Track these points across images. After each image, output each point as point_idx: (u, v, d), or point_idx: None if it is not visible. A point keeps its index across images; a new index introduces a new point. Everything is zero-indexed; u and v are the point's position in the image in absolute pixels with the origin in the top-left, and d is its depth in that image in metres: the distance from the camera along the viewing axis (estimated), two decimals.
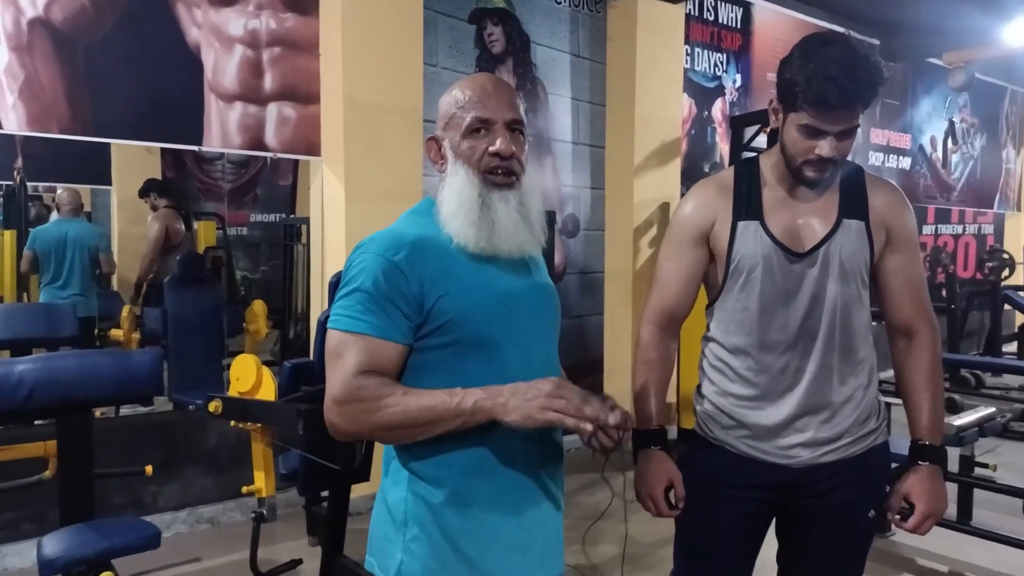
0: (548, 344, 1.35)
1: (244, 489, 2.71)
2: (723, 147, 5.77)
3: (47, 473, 2.66)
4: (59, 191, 5.08)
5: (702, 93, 5.67)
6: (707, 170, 5.68)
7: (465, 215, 1.24)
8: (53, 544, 2.07)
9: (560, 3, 4.87)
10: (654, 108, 5.08)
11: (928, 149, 8.16)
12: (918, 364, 1.56)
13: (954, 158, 8.50)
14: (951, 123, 8.42)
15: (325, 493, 2.66)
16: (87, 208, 5.44)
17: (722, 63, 5.79)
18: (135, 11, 3.28)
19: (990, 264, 7.48)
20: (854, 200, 1.55)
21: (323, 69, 3.75)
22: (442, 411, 1.14)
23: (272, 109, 3.65)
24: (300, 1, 3.71)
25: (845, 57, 1.39)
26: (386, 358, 1.20)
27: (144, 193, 5.36)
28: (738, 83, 5.92)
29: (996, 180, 9.18)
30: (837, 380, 1.54)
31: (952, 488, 2.29)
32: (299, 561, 2.87)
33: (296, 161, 5.01)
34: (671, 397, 1.81)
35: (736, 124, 5.05)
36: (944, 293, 6.89)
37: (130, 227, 5.65)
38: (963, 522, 3.23)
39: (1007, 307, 7.27)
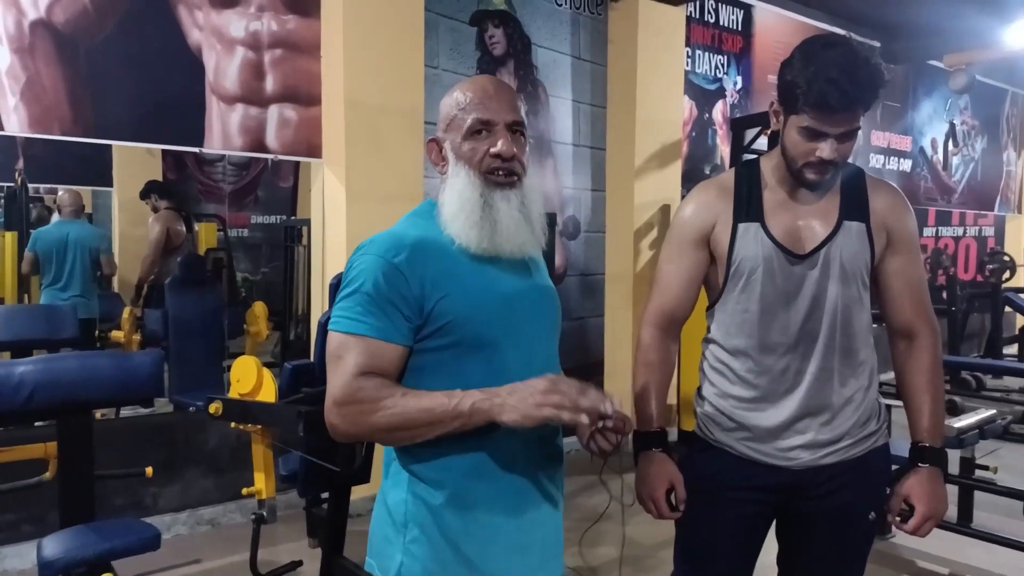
0: (549, 346, 1.35)
1: (244, 491, 2.71)
2: (724, 149, 5.78)
3: (47, 474, 2.66)
4: (60, 193, 5.08)
5: (703, 95, 5.68)
6: (708, 172, 5.69)
7: (467, 216, 1.24)
8: (53, 546, 2.07)
9: (561, 5, 4.87)
10: (655, 110, 5.09)
11: (929, 151, 8.16)
12: (919, 366, 1.56)
13: (955, 160, 8.50)
14: (952, 125, 8.42)
15: (325, 495, 2.66)
16: (88, 210, 5.45)
17: (723, 65, 5.79)
18: (137, 13, 3.28)
19: (991, 266, 7.48)
20: (855, 202, 1.55)
21: (324, 71, 3.76)
22: (440, 412, 1.14)
23: (273, 111, 3.66)
24: (301, 3, 3.71)
25: (846, 59, 1.39)
26: (386, 360, 1.20)
27: (145, 195, 5.37)
28: (739, 85, 5.92)
29: (997, 182, 9.18)
30: (837, 382, 1.54)
31: (952, 490, 2.29)
32: (299, 563, 2.87)
33: (297, 163, 5.02)
34: (671, 399, 1.81)
35: (737, 126, 5.06)
36: (945, 295, 6.89)
37: (131, 228, 5.66)
38: (963, 524, 3.23)
39: (1008, 309, 7.28)
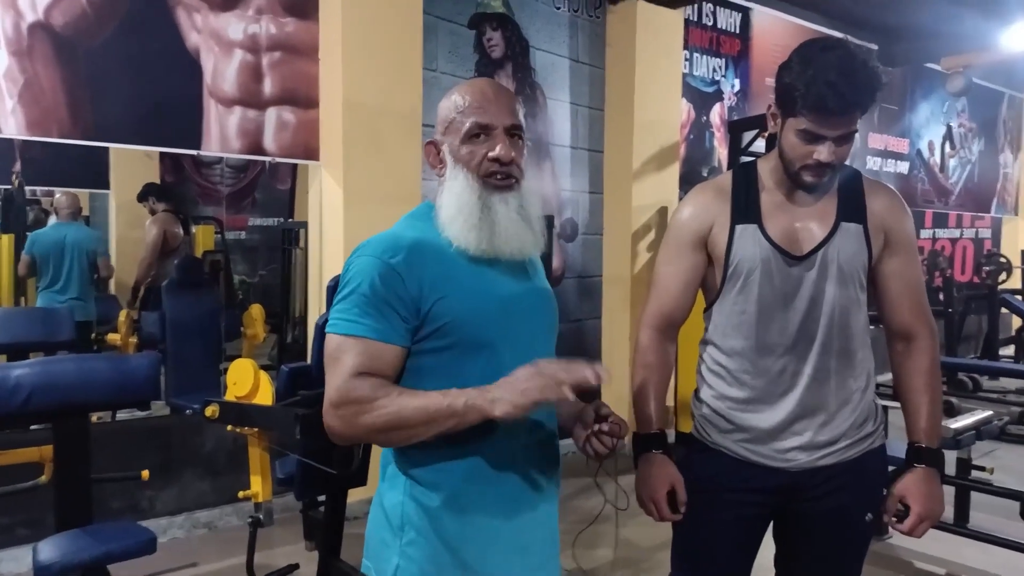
0: (546, 348, 1.35)
1: (241, 494, 2.70)
2: (721, 152, 5.78)
3: (43, 478, 2.66)
4: (57, 195, 5.08)
5: (700, 98, 5.69)
6: (705, 175, 5.69)
7: (465, 219, 1.24)
8: (49, 549, 2.06)
9: (559, 8, 4.88)
10: (653, 113, 5.09)
11: (926, 153, 8.18)
12: (916, 367, 1.57)
13: (952, 162, 8.52)
14: (949, 128, 8.44)
15: (322, 498, 2.66)
16: (85, 212, 5.45)
17: (721, 68, 5.80)
18: (135, 16, 3.28)
19: (987, 268, 7.50)
20: (852, 203, 1.55)
21: (323, 73, 3.76)
22: (435, 411, 1.14)
23: (271, 113, 3.66)
24: (300, 5, 3.71)
25: (844, 62, 1.40)
26: (384, 361, 1.20)
27: (143, 197, 5.37)
28: (736, 88, 5.93)
29: (994, 184, 9.21)
30: (834, 383, 1.54)
31: (949, 491, 2.29)
32: (296, 566, 2.86)
33: (295, 165, 5.02)
34: (669, 401, 1.82)
35: (734, 129, 5.07)
36: (942, 297, 6.90)
37: (128, 231, 5.66)
38: (960, 525, 3.23)
39: (1004, 311, 7.29)
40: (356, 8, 3.65)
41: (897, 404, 1.63)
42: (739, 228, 1.55)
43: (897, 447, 1.69)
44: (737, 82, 5.93)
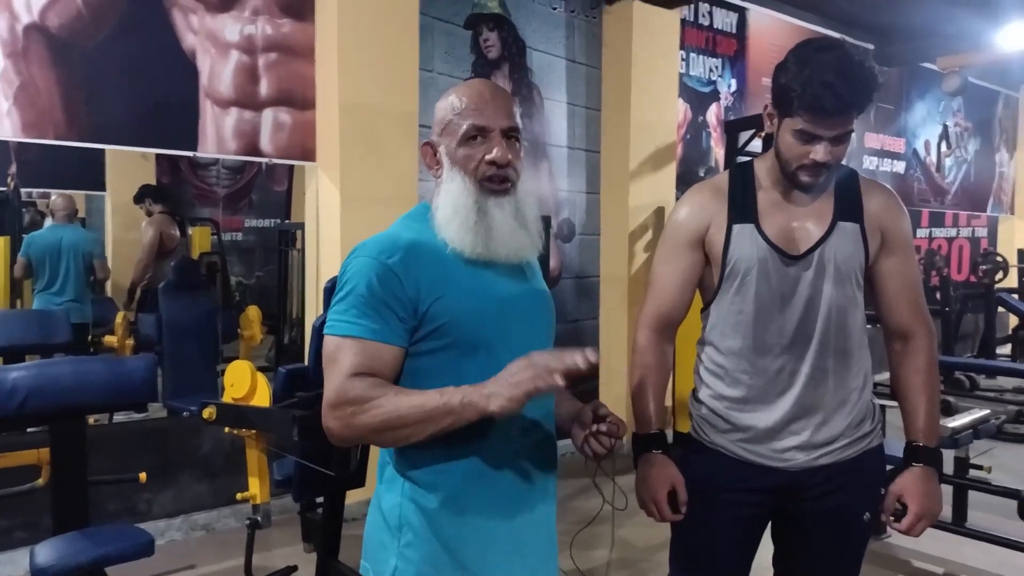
0: (544, 349, 1.35)
1: (239, 495, 2.70)
2: (718, 152, 5.79)
3: (40, 481, 2.65)
4: (53, 197, 5.06)
5: (697, 98, 5.69)
6: (702, 175, 5.70)
7: (461, 221, 1.24)
8: (46, 552, 2.06)
9: (556, 8, 4.88)
10: (650, 113, 5.10)
11: (922, 153, 8.20)
12: (914, 366, 1.57)
13: (948, 162, 8.54)
14: (945, 127, 8.46)
15: (320, 499, 2.65)
16: (81, 214, 5.43)
17: (717, 68, 5.81)
18: (131, 17, 3.27)
19: (984, 267, 7.51)
20: (849, 203, 1.55)
21: (319, 74, 3.75)
22: (431, 409, 1.14)
23: (267, 115, 3.65)
24: (296, 7, 3.71)
25: (840, 63, 1.40)
26: (382, 361, 1.20)
27: (139, 199, 5.35)
28: (733, 88, 5.94)
29: (989, 183, 9.23)
30: (832, 382, 1.54)
31: (947, 490, 2.29)
32: (294, 567, 2.86)
33: (291, 166, 5.01)
34: (666, 401, 1.82)
35: (731, 129, 5.07)
36: (938, 296, 6.92)
37: (124, 233, 5.64)
38: (958, 524, 3.24)
39: (1001, 309, 7.31)
40: (352, 9, 3.65)
41: (895, 403, 1.63)
42: (736, 228, 1.55)
43: (895, 446, 1.69)
44: (733, 82, 5.93)
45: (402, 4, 3.84)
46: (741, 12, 5.94)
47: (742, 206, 1.56)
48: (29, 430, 2.88)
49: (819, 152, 1.45)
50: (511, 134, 1.28)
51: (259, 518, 2.63)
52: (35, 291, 4.72)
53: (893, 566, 3.23)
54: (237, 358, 3.64)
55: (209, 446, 3.67)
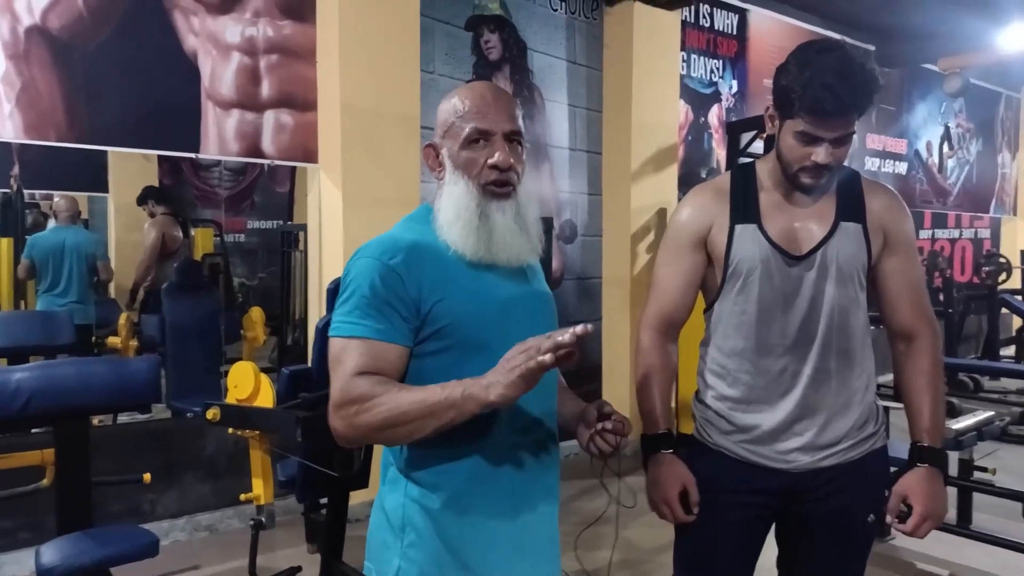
0: None
1: (242, 496, 2.70)
2: (719, 153, 5.79)
3: (45, 481, 2.65)
4: (56, 198, 5.08)
5: (698, 99, 5.69)
6: (704, 176, 5.70)
7: (463, 224, 1.24)
8: (51, 553, 2.06)
9: (557, 10, 4.89)
10: (651, 114, 5.10)
11: (924, 154, 8.19)
12: (919, 367, 1.56)
13: (950, 163, 8.53)
14: (947, 128, 8.45)
15: (324, 500, 2.66)
16: (84, 215, 5.44)
17: (718, 69, 5.81)
18: (132, 19, 3.28)
19: (987, 268, 7.50)
20: (851, 203, 1.56)
21: (320, 76, 3.76)
22: (433, 403, 1.13)
23: (269, 116, 3.66)
24: (297, 8, 3.72)
25: (841, 64, 1.40)
26: (387, 361, 1.20)
27: (142, 200, 5.37)
28: (734, 89, 5.94)
29: (992, 184, 9.22)
30: (835, 383, 1.54)
31: (951, 492, 2.29)
32: (298, 568, 2.86)
33: (293, 168, 5.02)
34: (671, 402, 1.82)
35: (732, 130, 5.07)
36: (941, 297, 6.91)
37: (127, 234, 5.66)
38: (962, 526, 3.23)
39: (1004, 311, 7.29)
40: (353, 10, 3.65)
41: (898, 405, 1.63)
42: (739, 228, 1.55)
43: (898, 448, 1.69)
44: (735, 83, 5.94)
45: (403, 5, 3.84)
46: (742, 13, 5.94)
47: (744, 207, 1.56)
48: (33, 431, 2.89)
49: (820, 154, 1.45)
50: (513, 137, 1.28)
51: (263, 519, 2.63)
52: (38, 292, 4.74)
53: (897, 568, 3.22)
54: (240, 359, 3.64)
55: (213, 447, 3.67)
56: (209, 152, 3.57)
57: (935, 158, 8.33)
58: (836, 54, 1.42)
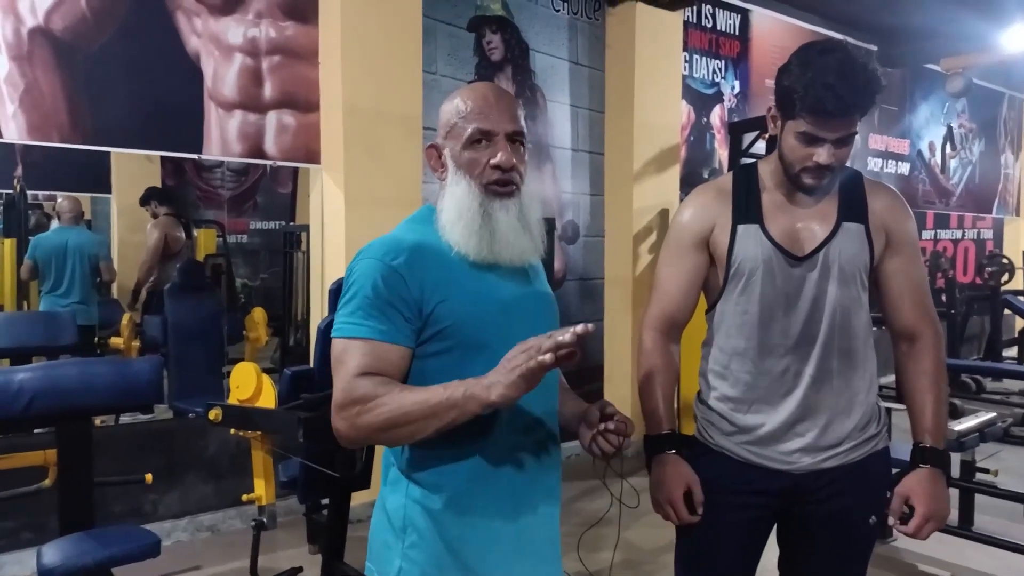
0: None
1: (244, 497, 2.71)
2: (722, 153, 5.78)
3: (47, 482, 2.66)
4: (59, 199, 5.09)
5: (700, 100, 5.69)
6: (706, 176, 5.70)
7: (466, 224, 1.25)
8: (53, 553, 2.06)
9: (559, 11, 4.89)
10: (653, 115, 5.10)
11: (927, 154, 8.18)
12: (921, 367, 1.56)
13: (952, 163, 8.52)
14: (949, 128, 8.44)
15: (325, 501, 2.66)
16: (87, 216, 5.45)
17: (720, 70, 5.80)
18: (135, 20, 3.29)
19: (989, 269, 7.49)
20: (853, 204, 1.55)
21: (322, 77, 3.76)
22: (435, 403, 1.13)
23: (272, 117, 3.66)
24: (300, 10, 3.72)
25: (843, 65, 1.40)
26: (389, 361, 1.20)
27: (145, 201, 5.38)
28: (736, 90, 5.94)
29: (995, 185, 9.20)
30: (837, 384, 1.54)
31: (953, 493, 2.29)
32: (299, 569, 2.86)
33: (296, 169, 5.02)
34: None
35: (734, 130, 5.06)
36: (944, 298, 6.90)
37: (130, 235, 5.66)
38: (964, 527, 3.22)
39: (1007, 312, 7.28)
40: (355, 11, 3.66)
41: (900, 406, 1.63)
42: (741, 228, 1.55)
43: (900, 449, 1.69)
44: (737, 84, 5.93)
45: (405, 6, 3.85)
46: (744, 14, 5.93)
47: (746, 207, 1.56)
48: (36, 431, 2.89)
49: (822, 154, 1.45)
50: (516, 138, 1.28)
51: (264, 519, 2.64)
52: (41, 293, 4.74)
53: (898, 569, 3.21)
54: (242, 360, 3.64)
55: (215, 448, 3.68)
56: (212, 153, 3.58)
57: (938, 158, 8.32)
58: (838, 55, 1.42)
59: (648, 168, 5.10)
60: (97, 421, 3.38)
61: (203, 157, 3.68)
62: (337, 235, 3.73)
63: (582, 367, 5.03)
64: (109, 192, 5.70)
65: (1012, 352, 7.59)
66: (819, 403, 1.53)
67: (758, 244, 1.53)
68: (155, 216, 5.31)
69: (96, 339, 4.82)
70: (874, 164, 7.43)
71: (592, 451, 1.30)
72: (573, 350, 1.06)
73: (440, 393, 1.14)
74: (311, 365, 2.92)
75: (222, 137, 3.54)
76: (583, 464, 1.45)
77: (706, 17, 5.66)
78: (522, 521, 1.28)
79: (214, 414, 2.48)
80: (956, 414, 4.70)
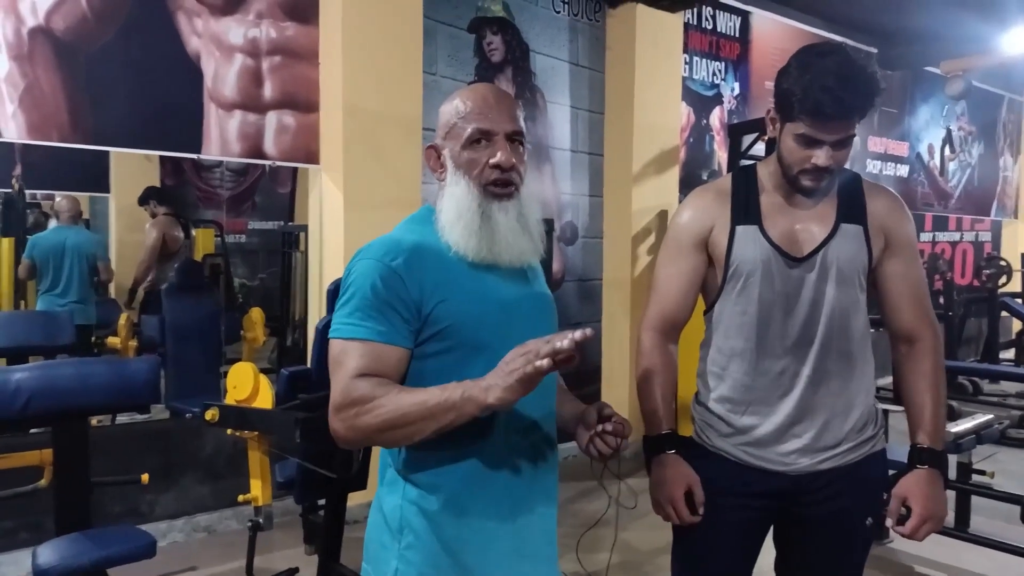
0: None
1: (240, 497, 2.70)
2: (721, 155, 5.79)
3: (43, 482, 2.65)
4: (58, 199, 5.09)
5: (700, 101, 5.69)
6: (705, 178, 5.70)
7: (465, 225, 1.24)
8: (49, 553, 2.06)
9: (559, 12, 4.89)
10: (653, 116, 5.10)
11: (926, 157, 8.19)
12: (920, 369, 1.56)
13: (951, 166, 8.53)
14: (948, 131, 8.45)
15: (322, 501, 2.66)
16: (86, 216, 5.46)
17: (720, 72, 5.81)
18: (136, 20, 3.29)
19: (987, 271, 7.49)
20: (852, 205, 1.56)
21: (323, 77, 3.76)
22: (433, 405, 1.13)
23: (271, 117, 3.66)
24: (300, 10, 3.72)
25: (841, 68, 1.40)
26: (387, 363, 1.20)
27: (144, 201, 5.38)
28: (736, 91, 5.94)
29: (993, 187, 9.21)
30: (834, 385, 1.54)
31: (950, 495, 2.29)
32: (296, 570, 2.86)
33: (295, 169, 5.03)
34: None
35: (734, 132, 5.07)
36: (942, 300, 6.90)
37: (128, 234, 5.67)
38: (961, 529, 3.23)
39: (1004, 314, 7.29)
40: (356, 12, 3.66)
41: (897, 408, 1.63)
42: (740, 229, 1.55)
43: (897, 451, 1.69)
44: (737, 85, 5.94)
45: (406, 7, 3.85)
46: (744, 15, 5.94)
47: (745, 208, 1.57)
48: (32, 431, 2.89)
49: (820, 157, 1.45)
50: (515, 138, 1.28)
51: (261, 520, 2.63)
52: (39, 292, 4.74)
53: (895, 571, 3.22)
54: (240, 360, 3.65)
55: (211, 448, 3.67)
56: (211, 153, 3.57)
57: (936, 161, 8.33)
58: (837, 57, 1.42)
59: (647, 169, 5.10)
60: (94, 421, 3.38)
61: (202, 157, 3.68)
62: (336, 235, 3.73)
63: (580, 368, 5.03)
64: (108, 192, 5.70)
65: (1009, 354, 7.60)
66: (817, 404, 1.53)
67: (757, 245, 1.53)
68: (154, 216, 5.31)
69: (93, 339, 4.82)
70: (873, 166, 7.44)
71: (590, 452, 1.30)
72: (572, 354, 1.06)
73: (438, 395, 1.14)
74: (309, 365, 2.91)
75: (221, 137, 3.54)
76: (581, 465, 1.45)
77: (706, 19, 5.67)
78: (519, 522, 1.27)
79: (211, 414, 2.48)
80: (953, 416, 4.71)
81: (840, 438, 1.54)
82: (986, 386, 6.41)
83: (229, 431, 2.58)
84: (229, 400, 2.60)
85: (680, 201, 4.30)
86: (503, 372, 1.10)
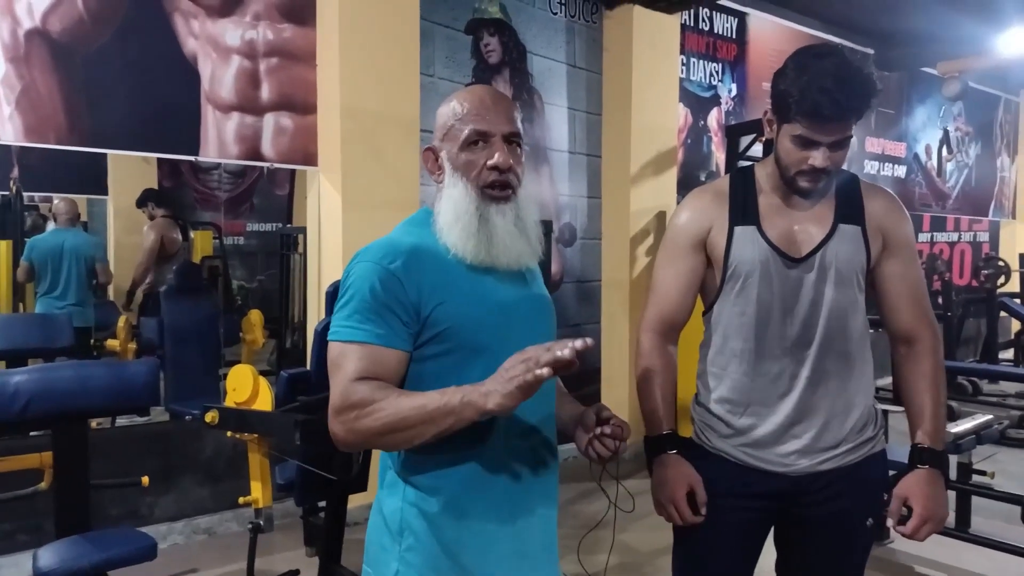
0: None
1: (241, 499, 2.70)
2: (719, 156, 5.79)
3: (43, 484, 2.65)
4: (56, 201, 5.09)
5: (698, 102, 5.70)
6: (703, 179, 5.70)
7: (463, 227, 1.25)
8: (49, 556, 2.06)
9: (556, 14, 4.89)
10: (650, 117, 5.10)
11: (923, 157, 8.20)
12: (920, 370, 1.56)
13: (949, 166, 8.54)
14: (946, 132, 8.46)
15: (322, 503, 2.65)
16: (83, 218, 5.45)
17: (717, 73, 5.82)
18: (133, 22, 3.28)
19: (986, 271, 7.50)
20: (850, 206, 1.56)
21: (320, 79, 3.76)
22: (433, 409, 1.13)
23: (269, 119, 3.66)
24: (297, 12, 3.72)
25: (838, 69, 1.40)
26: (386, 365, 1.20)
27: (142, 203, 5.38)
28: (733, 92, 5.95)
29: (991, 188, 9.23)
30: (833, 386, 1.54)
31: (950, 496, 2.29)
32: (296, 572, 2.86)
33: (293, 171, 5.02)
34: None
35: (731, 133, 5.08)
36: (940, 300, 6.91)
37: (126, 237, 5.66)
38: (961, 529, 3.23)
39: (1003, 314, 7.30)
40: (353, 14, 3.66)
41: (897, 408, 1.63)
42: (738, 230, 1.55)
43: (898, 452, 1.69)
44: (734, 87, 5.94)
45: (403, 9, 3.85)
46: (741, 17, 5.95)
47: (743, 209, 1.57)
48: (32, 434, 2.89)
49: (818, 158, 1.45)
50: (512, 139, 1.28)
51: (261, 522, 2.63)
52: (37, 295, 4.74)
53: (896, 572, 3.22)
54: (239, 362, 3.65)
55: (211, 450, 3.67)
56: (209, 155, 3.57)
57: (934, 161, 8.34)
58: (833, 59, 1.42)
59: (645, 171, 5.11)
60: (93, 424, 3.38)
61: (200, 159, 3.68)
62: (334, 237, 3.73)
63: (580, 370, 5.01)
64: (106, 194, 5.69)
65: (1008, 354, 7.61)
66: (816, 405, 1.53)
67: (755, 246, 1.53)
68: (152, 218, 5.31)
69: (92, 341, 4.81)
70: (870, 167, 7.45)
71: (588, 455, 1.30)
72: (571, 361, 1.06)
73: (437, 399, 1.14)
74: (308, 367, 2.91)
75: (219, 139, 3.54)
76: (580, 467, 1.45)
77: (703, 20, 5.67)
78: (519, 524, 1.27)
79: (211, 416, 2.48)
80: (953, 416, 4.71)
81: (840, 439, 1.54)
82: (985, 386, 6.42)
83: (229, 433, 2.58)
84: (229, 402, 2.60)
85: (678, 202, 4.30)
86: (503, 378, 1.10)
